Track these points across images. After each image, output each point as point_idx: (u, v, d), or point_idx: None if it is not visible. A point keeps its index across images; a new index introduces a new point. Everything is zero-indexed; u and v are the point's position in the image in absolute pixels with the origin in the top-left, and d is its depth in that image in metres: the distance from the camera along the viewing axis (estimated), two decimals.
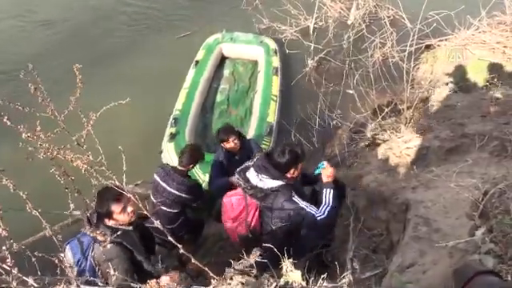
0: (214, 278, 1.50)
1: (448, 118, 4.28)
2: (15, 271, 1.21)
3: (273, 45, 6.65)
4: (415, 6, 5.71)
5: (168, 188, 3.61)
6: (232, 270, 1.55)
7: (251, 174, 2.73)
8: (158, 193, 3.68)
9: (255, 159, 2.82)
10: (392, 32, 6.70)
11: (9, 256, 1.09)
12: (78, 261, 2.51)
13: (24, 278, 1.24)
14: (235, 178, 2.83)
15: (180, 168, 3.68)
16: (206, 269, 1.53)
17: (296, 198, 2.68)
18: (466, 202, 2.18)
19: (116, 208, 2.31)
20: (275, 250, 1.95)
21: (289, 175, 2.71)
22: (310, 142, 4.93)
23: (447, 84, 5.47)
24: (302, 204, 2.67)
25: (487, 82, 5.34)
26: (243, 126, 5.75)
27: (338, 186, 2.88)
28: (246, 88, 6.42)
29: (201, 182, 4.68)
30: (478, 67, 5.78)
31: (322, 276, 1.57)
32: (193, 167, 3.81)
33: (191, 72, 6.17)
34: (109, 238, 1.68)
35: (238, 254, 2.40)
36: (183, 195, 3.61)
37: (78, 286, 1.28)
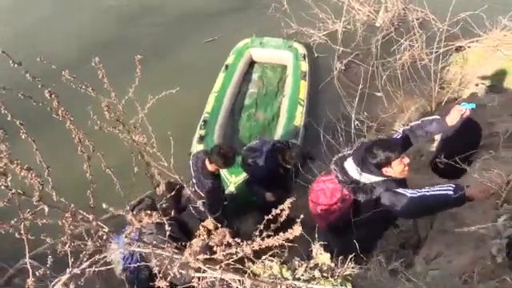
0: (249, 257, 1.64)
1: (478, 117, 4.27)
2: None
3: (301, 49, 6.79)
4: (445, 8, 5.74)
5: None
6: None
7: (349, 166, 2.58)
8: None
9: (355, 149, 2.71)
10: (421, 34, 6.71)
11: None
12: (124, 257, 2.70)
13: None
14: (333, 167, 2.70)
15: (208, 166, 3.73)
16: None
17: (400, 190, 2.46)
18: (493, 195, 2.24)
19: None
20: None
21: (387, 173, 2.49)
22: (337, 142, 5.01)
23: (477, 85, 5.44)
24: (404, 192, 2.45)
25: None
26: (270, 129, 5.90)
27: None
28: (275, 92, 6.57)
29: (228, 183, 4.85)
30: (509, 67, 5.71)
31: (350, 257, 1.68)
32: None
33: (221, 76, 6.37)
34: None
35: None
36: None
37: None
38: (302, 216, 1.55)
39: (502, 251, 1.60)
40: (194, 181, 3.79)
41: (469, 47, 6.58)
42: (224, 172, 4.82)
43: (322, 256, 1.82)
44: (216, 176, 3.85)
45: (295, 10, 7.71)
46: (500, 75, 5.66)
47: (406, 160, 2.48)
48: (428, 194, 2.33)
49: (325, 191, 2.76)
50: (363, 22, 7.66)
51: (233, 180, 4.85)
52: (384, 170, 2.46)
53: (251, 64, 7.02)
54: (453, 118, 2.64)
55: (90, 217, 1.33)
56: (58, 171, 1.54)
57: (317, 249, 1.85)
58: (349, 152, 2.73)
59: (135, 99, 1.64)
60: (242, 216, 4.70)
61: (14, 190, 1.18)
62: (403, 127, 2.96)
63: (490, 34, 6.20)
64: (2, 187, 1.18)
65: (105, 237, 1.37)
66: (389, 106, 5.01)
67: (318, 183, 2.86)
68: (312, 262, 1.82)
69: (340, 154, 2.78)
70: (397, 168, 2.45)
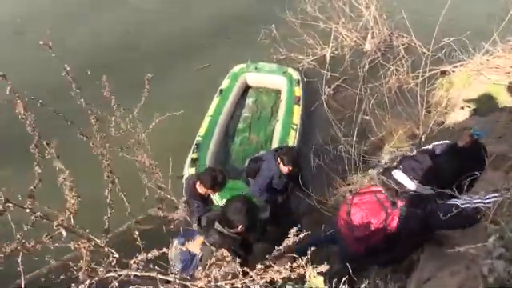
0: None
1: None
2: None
3: (296, 75, 6.90)
4: (430, 33, 5.93)
5: None
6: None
7: (400, 176, 2.60)
8: None
9: (403, 160, 2.71)
10: (407, 59, 6.90)
11: None
12: (184, 260, 2.72)
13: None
14: (380, 181, 2.67)
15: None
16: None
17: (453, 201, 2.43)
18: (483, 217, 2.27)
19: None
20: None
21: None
22: (328, 166, 5.05)
23: (463, 108, 5.58)
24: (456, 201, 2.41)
25: (502, 104, 5.42)
26: None
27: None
28: (269, 116, 6.63)
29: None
30: (493, 91, 5.87)
31: (343, 279, 1.69)
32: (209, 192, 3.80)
33: (215, 100, 6.43)
34: None
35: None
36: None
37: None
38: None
39: (493, 271, 1.62)
40: (185, 199, 3.80)
41: (453, 71, 6.77)
42: (215, 197, 4.81)
43: (315, 279, 1.82)
44: (205, 199, 3.83)
45: (284, 36, 7.88)
46: (484, 98, 5.81)
47: None
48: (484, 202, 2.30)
49: (366, 214, 2.67)
50: (350, 47, 7.85)
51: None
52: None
53: (246, 88, 7.11)
54: (463, 140, 2.91)
55: (102, 242, 1.33)
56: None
57: (310, 272, 1.84)
58: (386, 165, 2.84)
59: (138, 119, 1.70)
60: None
61: (37, 213, 1.19)
62: (416, 149, 3.07)
63: (474, 59, 6.40)
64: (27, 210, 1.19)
65: (114, 262, 1.37)
66: (377, 129, 5.09)
67: (355, 207, 2.75)
68: (306, 286, 1.82)
69: (384, 167, 2.82)
70: None
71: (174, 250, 2.78)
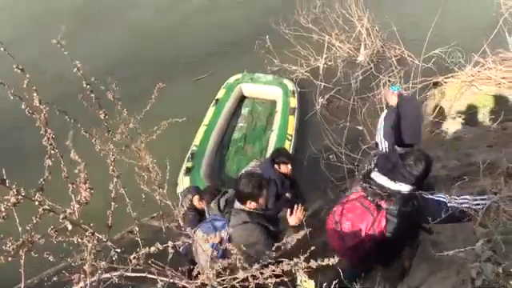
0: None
1: (455, 148, 4.42)
2: None
3: (291, 86, 6.96)
4: (422, 45, 6.04)
5: None
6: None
7: (379, 178, 2.58)
8: None
9: (376, 161, 2.69)
10: (400, 70, 6.98)
11: None
12: (213, 245, 2.64)
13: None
14: (361, 186, 2.65)
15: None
16: None
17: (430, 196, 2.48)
18: (472, 222, 2.30)
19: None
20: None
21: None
22: (321, 174, 5.09)
23: (454, 118, 5.65)
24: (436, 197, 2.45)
25: (493, 115, 5.50)
26: None
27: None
28: (264, 127, 6.65)
29: None
30: (484, 102, 5.97)
31: (334, 282, 1.70)
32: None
33: (211, 110, 6.47)
34: None
35: None
36: None
37: None
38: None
39: (481, 274, 1.64)
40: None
41: (445, 82, 6.86)
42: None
43: (306, 283, 1.83)
44: (200, 213, 3.84)
45: (278, 48, 7.96)
46: (475, 108, 5.90)
47: None
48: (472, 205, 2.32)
49: (353, 221, 2.62)
50: (344, 58, 7.93)
51: None
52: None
53: (242, 99, 7.14)
54: (393, 101, 3.70)
55: (104, 237, 1.35)
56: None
57: (301, 275, 1.85)
58: (370, 167, 2.75)
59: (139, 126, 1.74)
60: None
61: (45, 206, 1.19)
62: (383, 146, 3.09)
63: (465, 70, 6.50)
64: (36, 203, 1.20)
65: (115, 257, 1.38)
66: (370, 138, 5.15)
67: (341, 217, 2.69)
68: None
69: (364, 171, 2.81)
70: None
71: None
